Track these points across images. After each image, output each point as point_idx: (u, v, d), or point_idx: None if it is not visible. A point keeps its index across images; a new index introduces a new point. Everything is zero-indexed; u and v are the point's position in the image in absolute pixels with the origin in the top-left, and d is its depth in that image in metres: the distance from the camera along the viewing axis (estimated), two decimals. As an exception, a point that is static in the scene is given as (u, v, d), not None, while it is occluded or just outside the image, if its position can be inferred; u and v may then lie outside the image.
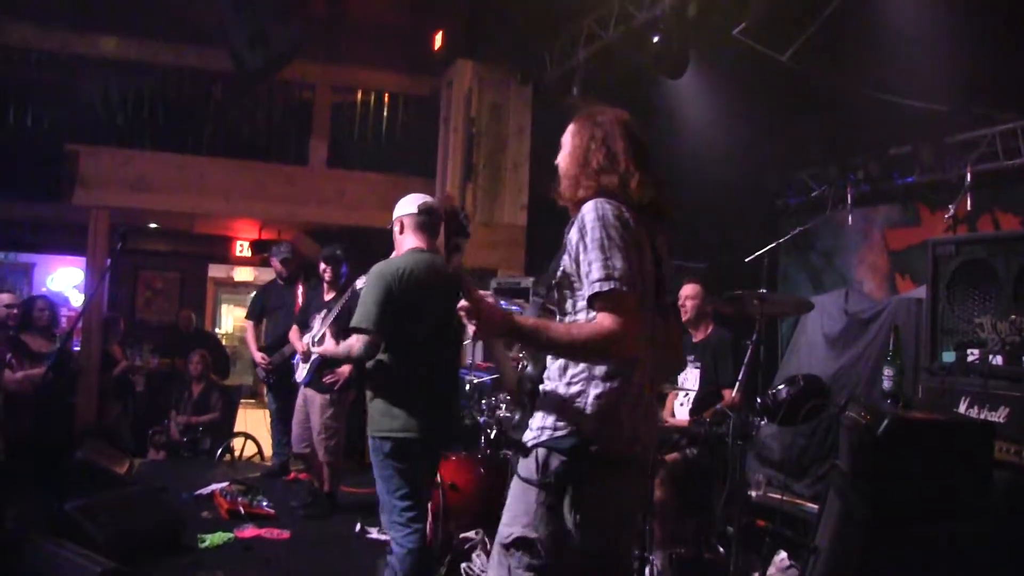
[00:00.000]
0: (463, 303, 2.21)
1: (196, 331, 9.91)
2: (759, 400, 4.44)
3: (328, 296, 6.00)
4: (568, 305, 2.34)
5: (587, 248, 2.24)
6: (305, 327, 6.04)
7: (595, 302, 2.20)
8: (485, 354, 6.97)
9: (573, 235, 2.29)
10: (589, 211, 2.28)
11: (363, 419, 3.95)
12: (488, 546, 4.52)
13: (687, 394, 5.24)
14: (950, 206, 5.56)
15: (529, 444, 2.30)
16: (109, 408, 8.52)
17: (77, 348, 8.35)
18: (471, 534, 4.62)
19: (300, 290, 6.96)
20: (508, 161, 8.55)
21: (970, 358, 4.11)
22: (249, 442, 8.48)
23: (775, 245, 4.99)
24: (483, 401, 5.45)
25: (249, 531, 5.54)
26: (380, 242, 5.32)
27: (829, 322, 6.79)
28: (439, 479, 4.68)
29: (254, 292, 16.64)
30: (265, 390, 7.60)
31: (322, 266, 6.08)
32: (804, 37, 5.50)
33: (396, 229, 4.06)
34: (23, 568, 4.05)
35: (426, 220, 4.01)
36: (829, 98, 6.16)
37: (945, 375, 4.23)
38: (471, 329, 2.23)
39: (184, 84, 9.06)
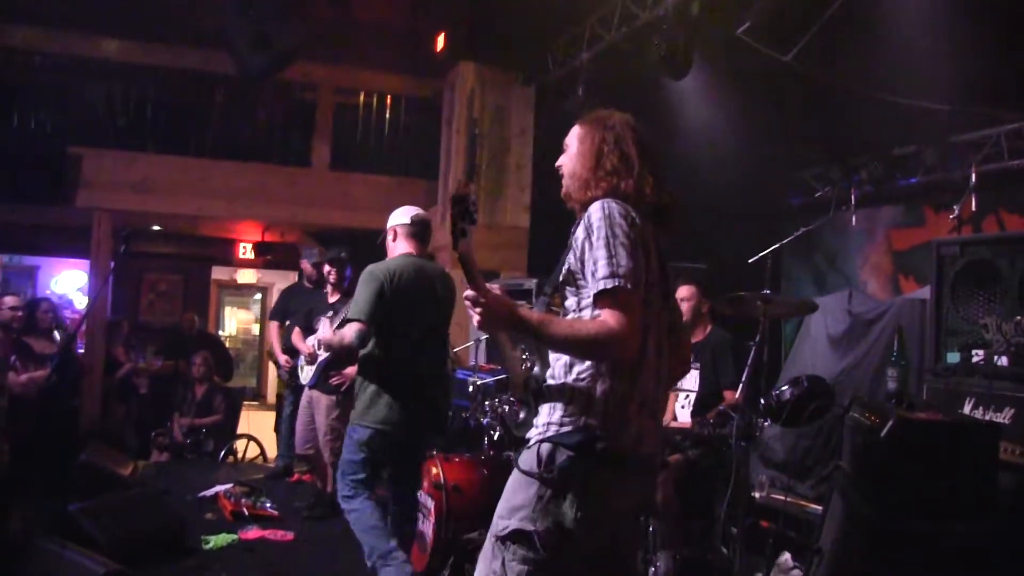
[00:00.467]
0: (468, 291, 2.23)
1: (199, 333, 9.92)
2: (763, 401, 4.43)
3: (333, 299, 5.99)
4: (572, 303, 2.35)
5: (593, 246, 2.24)
6: (309, 330, 6.04)
7: (599, 299, 2.20)
8: (489, 354, 6.99)
9: (579, 233, 2.30)
10: (596, 210, 2.29)
11: None
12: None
13: (688, 395, 5.23)
14: (954, 206, 5.56)
15: (534, 439, 2.31)
16: (113, 410, 8.54)
17: (81, 351, 8.37)
18: (474, 535, 4.61)
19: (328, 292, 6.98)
20: (511, 163, 8.55)
21: (975, 359, 4.10)
22: (252, 444, 8.49)
23: (778, 246, 4.98)
24: (486, 403, 5.44)
25: (253, 533, 5.54)
26: (383, 244, 5.32)
27: (833, 323, 6.78)
28: (443, 481, 4.69)
29: (257, 294, 16.89)
30: (285, 392, 7.57)
31: (327, 268, 6.08)
32: (808, 37, 5.49)
33: (390, 237, 4.36)
34: (28, 569, 4.05)
35: (418, 230, 4.34)
36: (833, 98, 6.15)
37: (949, 376, 4.22)
38: (475, 319, 2.24)
39: (187, 86, 9.09)
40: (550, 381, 2.34)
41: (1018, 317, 3.95)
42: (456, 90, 8.62)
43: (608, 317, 2.18)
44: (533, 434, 2.33)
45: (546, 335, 2.23)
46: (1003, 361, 3.96)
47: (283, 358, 6.89)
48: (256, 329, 17.34)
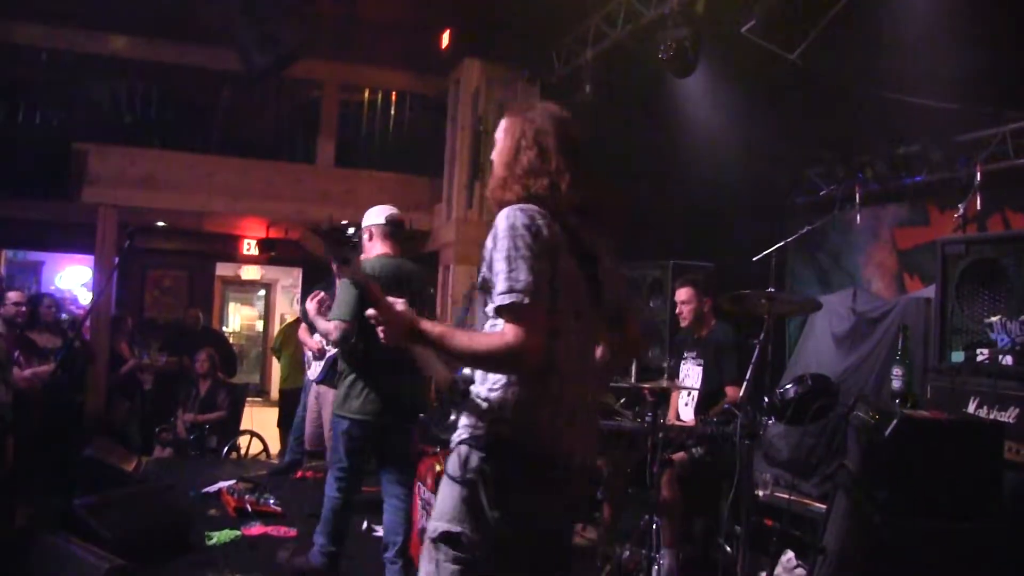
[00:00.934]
0: (371, 311, 2.28)
1: (203, 329, 9.93)
2: (767, 399, 4.42)
3: None
4: (490, 310, 2.32)
5: (496, 258, 2.24)
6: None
7: (499, 313, 2.21)
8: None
9: (488, 243, 2.29)
10: (501, 219, 2.28)
11: None
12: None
13: (691, 393, 5.23)
14: (960, 205, 5.54)
15: (453, 442, 2.33)
16: (117, 406, 8.55)
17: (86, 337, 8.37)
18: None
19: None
20: (515, 160, 8.53)
21: (979, 358, 4.09)
22: (255, 440, 8.50)
23: (783, 244, 4.98)
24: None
25: (256, 529, 5.55)
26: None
27: (837, 321, 6.77)
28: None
29: (261, 290, 16.90)
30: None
31: (334, 266, 6.08)
32: (813, 35, 5.48)
33: (365, 236, 4.55)
34: (32, 564, 4.06)
35: (393, 230, 4.57)
36: (838, 96, 6.13)
37: (954, 375, 4.21)
38: (380, 335, 2.31)
39: (192, 83, 9.10)
40: (475, 385, 2.36)
41: (1023, 316, 3.94)
42: (461, 87, 8.62)
43: (506, 331, 2.18)
44: (455, 436, 2.34)
45: (446, 348, 2.27)
46: (1008, 360, 3.95)
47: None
48: (260, 325, 17.38)
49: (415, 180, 9.31)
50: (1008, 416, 3.85)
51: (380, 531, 5.49)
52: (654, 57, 5.97)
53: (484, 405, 2.29)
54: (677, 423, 5.20)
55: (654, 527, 4.31)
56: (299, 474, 7.22)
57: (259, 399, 13.87)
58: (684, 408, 5.32)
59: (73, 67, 8.62)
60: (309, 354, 6.13)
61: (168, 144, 8.84)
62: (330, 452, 4.62)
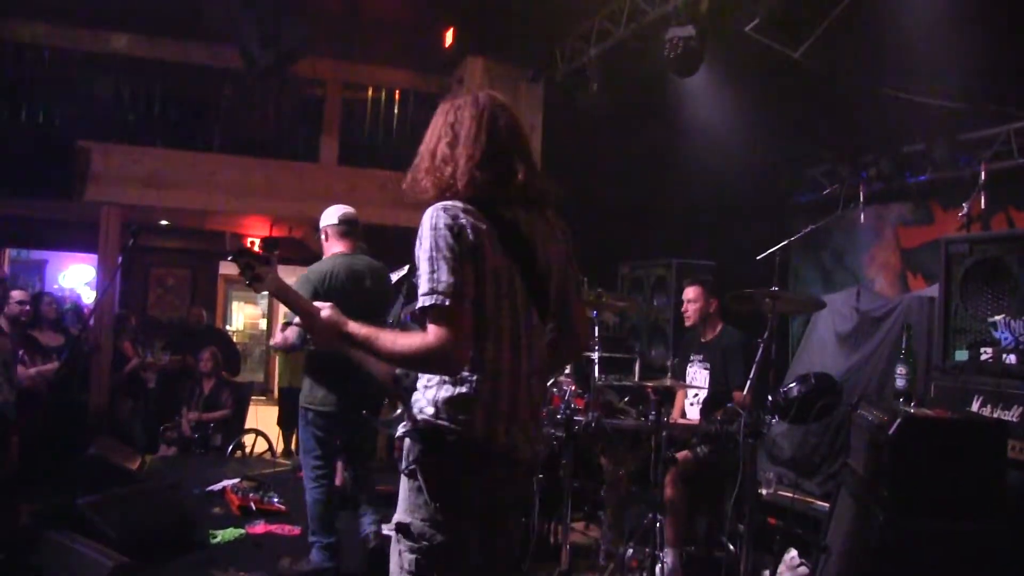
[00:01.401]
0: (295, 319, 2.35)
1: (207, 328, 9.93)
2: (770, 398, 4.43)
3: None
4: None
5: (420, 259, 2.27)
6: None
7: (423, 315, 2.23)
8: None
9: (416, 241, 2.32)
10: (425, 220, 2.30)
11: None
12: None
13: (696, 393, 5.23)
14: (964, 204, 5.53)
15: (397, 435, 2.37)
16: (121, 405, 8.56)
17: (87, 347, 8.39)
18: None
19: None
20: (518, 158, 8.53)
21: (983, 357, 4.09)
22: (259, 438, 8.50)
23: (786, 243, 4.97)
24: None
25: (260, 527, 5.56)
26: (391, 239, 5.34)
27: (840, 320, 6.76)
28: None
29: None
30: None
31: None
32: (816, 34, 5.48)
33: (322, 237, 4.86)
34: (37, 562, 4.08)
35: (348, 229, 4.82)
36: (842, 95, 6.13)
37: (958, 374, 4.21)
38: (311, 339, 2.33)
39: (195, 81, 9.08)
40: (419, 380, 2.38)
41: (1027, 315, 3.94)
42: (464, 85, 8.61)
43: (429, 332, 2.20)
44: (400, 429, 2.38)
45: (373, 349, 2.30)
46: (1011, 359, 3.95)
47: None
48: (263, 324, 17.40)
49: (418, 178, 9.30)
50: (1012, 415, 3.85)
51: (384, 529, 5.51)
52: (658, 56, 5.96)
53: (422, 401, 2.32)
54: (682, 421, 5.20)
55: (658, 525, 4.31)
56: (302, 473, 7.23)
57: (263, 398, 13.88)
58: (690, 408, 5.32)
59: (76, 65, 8.61)
60: None
61: (171, 142, 8.84)
62: (302, 452, 4.80)
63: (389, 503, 6.02)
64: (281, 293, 2.43)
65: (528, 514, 4.76)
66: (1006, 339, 4.02)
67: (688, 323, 5.33)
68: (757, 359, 4.12)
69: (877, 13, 5.42)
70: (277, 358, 9.84)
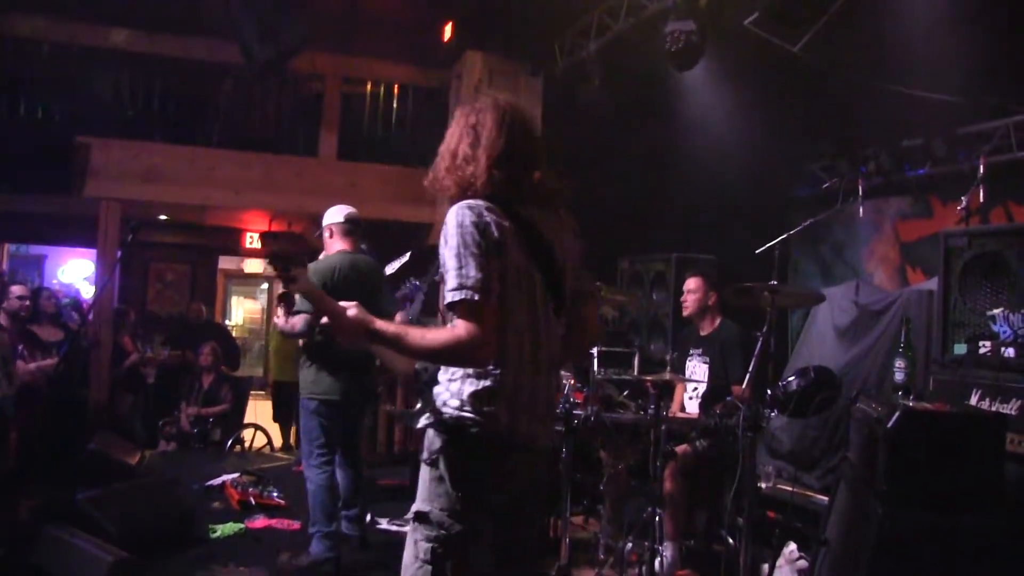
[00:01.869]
0: (323, 320, 2.42)
1: (206, 323, 9.94)
2: (769, 392, 4.43)
3: None
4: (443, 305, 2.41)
5: (446, 256, 2.32)
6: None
7: (451, 310, 2.29)
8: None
9: (440, 240, 2.37)
10: (451, 217, 2.35)
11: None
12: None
13: (696, 387, 5.23)
14: (962, 198, 5.52)
15: (419, 426, 2.44)
16: (120, 400, 8.57)
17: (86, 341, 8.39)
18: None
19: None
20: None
21: (982, 351, 4.10)
22: (259, 433, 8.51)
23: (786, 237, 4.97)
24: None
25: (260, 522, 5.57)
26: (391, 233, 5.34)
27: (840, 314, 6.77)
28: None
29: (264, 283, 16.90)
30: None
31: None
32: (816, 28, 5.47)
33: (326, 235, 5.00)
34: (36, 558, 4.08)
35: (351, 228, 4.99)
36: (841, 89, 6.12)
37: (956, 367, 4.22)
38: (339, 338, 2.44)
39: (194, 77, 9.07)
40: (439, 374, 2.46)
41: (1026, 309, 3.94)
42: (463, 80, 8.60)
43: (458, 326, 2.27)
44: (422, 421, 2.44)
45: (401, 345, 2.37)
46: (1010, 352, 3.96)
47: None
48: (262, 319, 17.40)
49: (417, 173, 9.18)
50: (1010, 408, 3.86)
51: (384, 523, 5.54)
52: (657, 50, 5.96)
53: (445, 394, 2.38)
54: (681, 415, 5.20)
55: (657, 519, 4.32)
56: (301, 467, 7.24)
57: (262, 392, 13.88)
58: (689, 402, 5.32)
59: (75, 60, 8.59)
60: None
61: (170, 137, 8.83)
62: (304, 441, 4.86)
63: (392, 497, 6.07)
64: (311, 292, 2.51)
65: (549, 506, 4.77)
66: (1005, 333, 4.02)
67: (685, 313, 5.33)
68: (756, 353, 4.12)
69: (876, 7, 5.42)
70: (270, 351, 9.84)
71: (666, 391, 4.90)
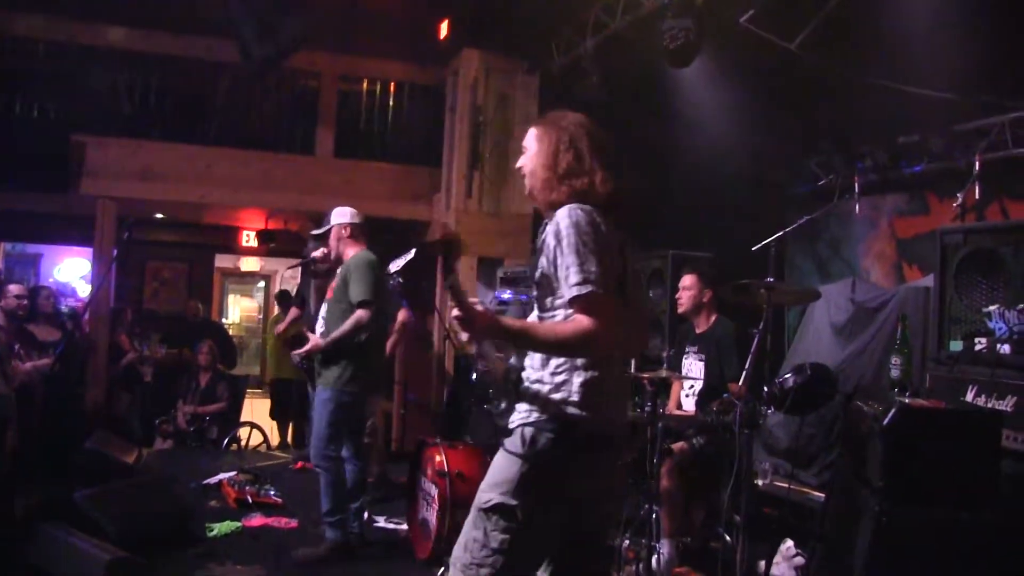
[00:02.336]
0: (457, 312, 2.43)
1: (203, 321, 9.94)
2: (766, 389, 4.43)
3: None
4: (548, 302, 2.54)
5: (563, 252, 2.43)
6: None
7: (574, 303, 2.39)
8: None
9: (550, 239, 2.48)
10: (564, 217, 2.47)
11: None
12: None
13: (692, 385, 5.23)
14: (959, 195, 5.54)
15: (514, 425, 2.50)
16: (117, 398, 8.57)
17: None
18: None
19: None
20: (515, 150, 8.50)
21: (978, 347, 4.10)
22: (255, 431, 8.51)
23: (782, 234, 4.97)
24: (489, 391, 5.46)
25: (257, 520, 5.57)
26: (387, 232, 5.34)
27: (836, 311, 6.77)
28: (446, 468, 4.72)
29: (261, 282, 16.90)
30: None
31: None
32: (812, 25, 5.47)
33: (344, 232, 5.13)
34: (34, 556, 4.08)
35: (364, 227, 5.22)
36: (837, 86, 6.12)
37: (952, 364, 4.22)
38: (464, 335, 2.47)
39: (191, 75, 9.07)
40: (529, 372, 2.54)
41: (1021, 305, 3.94)
42: (460, 78, 8.61)
43: (582, 319, 2.38)
44: (516, 419, 2.51)
45: (530, 339, 2.48)
46: (1006, 349, 3.96)
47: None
48: (260, 317, 17.39)
49: (414, 170, 9.30)
50: (1006, 405, 3.86)
51: (381, 521, 5.56)
52: (653, 47, 5.95)
53: (547, 388, 2.47)
54: (677, 413, 5.21)
55: (654, 516, 4.32)
56: (299, 465, 7.25)
57: (259, 391, 13.88)
58: (685, 399, 5.32)
59: (71, 59, 8.59)
60: None
61: (167, 136, 8.82)
62: (324, 436, 4.90)
63: (387, 496, 6.04)
64: (458, 287, 2.54)
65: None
66: (1000, 329, 4.03)
67: (680, 309, 5.33)
68: (753, 350, 4.12)
69: (872, 5, 5.42)
70: (267, 350, 9.85)
71: (662, 388, 4.91)
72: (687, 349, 5.33)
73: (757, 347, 4.12)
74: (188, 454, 7.76)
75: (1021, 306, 3.94)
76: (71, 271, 12.92)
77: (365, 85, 9.52)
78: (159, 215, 11.08)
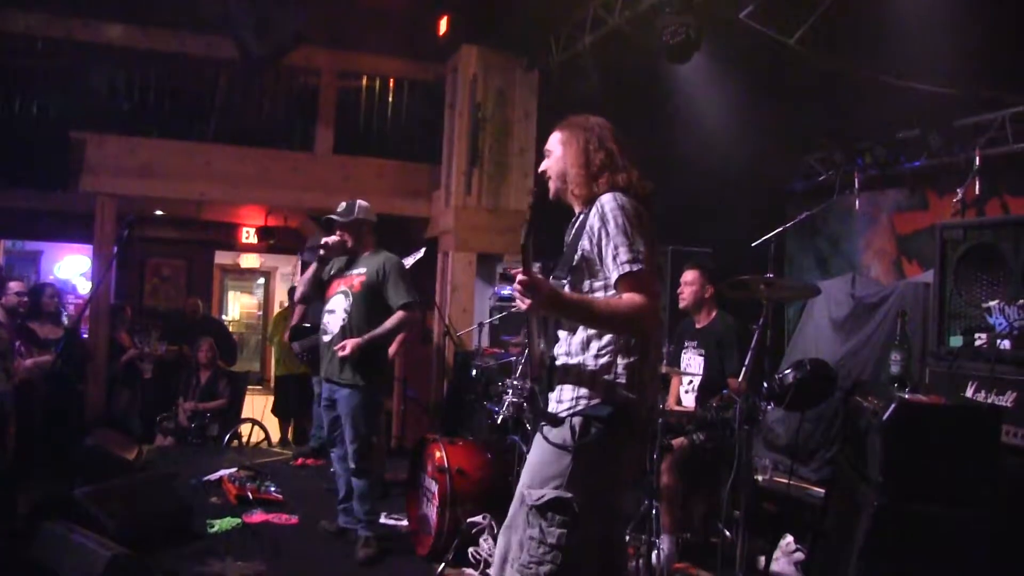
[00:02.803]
0: (522, 276, 2.41)
1: (203, 318, 9.93)
2: (766, 385, 4.44)
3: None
4: (585, 286, 2.58)
5: (610, 234, 2.49)
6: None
7: (623, 281, 2.45)
8: (492, 339, 7.01)
9: (595, 222, 2.53)
10: (608, 201, 2.54)
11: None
12: (495, 530, 4.54)
13: (692, 380, 5.24)
14: (958, 190, 5.54)
15: (563, 414, 2.51)
16: (118, 395, 8.56)
17: (84, 336, 8.39)
18: (478, 519, 4.64)
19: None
20: (514, 146, 8.54)
21: (978, 343, 4.10)
22: (256, 428, 8.52)
23: (782, 230, 4.98)
24: (490, 387, 5.47)
25: (257, 516, 5.58)
26: (386, 228, 5.34)
27: (836, 307, 6.78)
28: (447, 464, 4.72)
29: (261, 278, 16.90)
30: None
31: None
32: (811, 20, 5.47)
33: (364, 229, 5.10)
34: (35, 553, 4.08)
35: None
36: (836, 82, 6.12)
37: (952, 360, 4.22)
38: (523, 303, 2.43)
39: (190, 72, 9.06)
40: (565, 359, 2.57)
41: (1021, 300, 3.94)
42: (459, 74, 8.60)
43: (635, 297, 2.44)
44: (561, 409, 2.53)
45: (586, 313, 2.50)
46: (1006, 344, 3.96)
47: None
48: (259, 313, 17.40)
49: (414, 167, 9.30)
50: (1006, 400, 3.86)
51: (382, 517, 5.55)
52: (652, 43, 5.95)
53: (591, 370, 2.51)
54: (677, 408, 5.21)
55: (654, 512, 4.33)
56: (299, 462, 7.26)
57: (259, 387, 13.90)
58: (685, 395, 5.33)
59: (70, 56, 8.58)
60: None
61: (166, 133, 8.81)
62: (362, 437, 4.86)
63: (401, 490, 6.03)
64: (529, 253, 2.51)
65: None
66: (1000, 325, 4.03)
67: (682, 305, 5.33)
68: (752, 345, 4.13)
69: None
70: (273, 347, 9.84)
71: (662, 384, 4.91)
72: (686, 344, 5.34)
73: (757, 343, 4.12)
74: (189, 451, 7.77)
75: (1021, 301, 3.94)
76: (71, 268, 12.92)
77: (364, 82, 9.50)
78: (159, 212, 11.08)
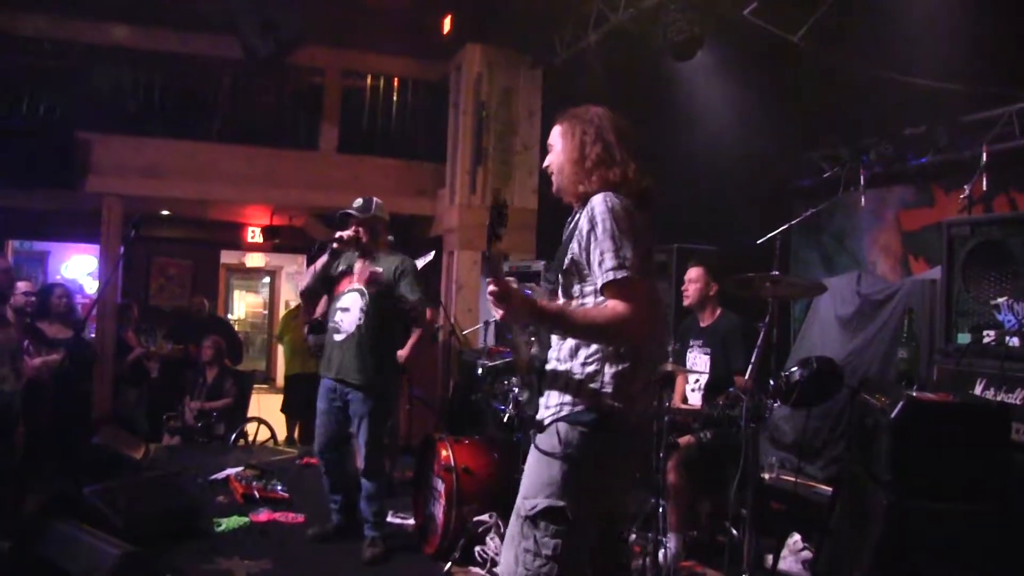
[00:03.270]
0: (493, 288, 2.35)
1: (209, 317, 9.93)
2: (772, 382, 4.42)
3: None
4: (576, 290, 2.50)
5: (598, 238, 2.39)
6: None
7: (607, 288, 2.35)
8: (497, 338, 7.00)
9: (584, 225, 2.44)
10: (599, 203, 2.44)
11: None
12: (502, 529, 4.54)
13: (697, 379, 5.23)
14: (965, 186, 5.51)
15: (547, 420, 2.46)
16: (124, 394, 8.58)
17: (92, 335, 8.41)
18: (485, 517, 4.64)
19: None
20: (519, 145, 8.54)
21: (986, 340, 4.09)
22: (262, 427, 8.52)
23: (787, 227, 4.97)
24: (496, 386, 5.45)
25: (264, 515, 5.58)
26: (390, 227, 5.33)
27: (842, 304, 6.76)
28: (453, 463, 4.72)
29: (266, 277, 16.92)
30: None
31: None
32: (816, 16, 5.45)
33: (379, 226, 5.02)
34: (43, 551, 4.08)
35: None
36: (842, 78, 6.10)
37: (960, 357, 4.21)
38: (498, 313, 2.38)
39: (194, 71, 9.08)
40: (555, 364, 2.50)
41: (1029, 297, 3.93)
42: (463, 73, 8.60)
43: (617, 305, 2.34)
44: (547, 415, 2.47)
45: (564, 324, 2.42)
46: (1014, 341, 3.95)
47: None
48: (265, 312, 17.43)
49: (418, 166, 9.31)
50: (1015, 398, 3.86)
51: (388, 516, 5.55)
52: (657, 40, 5.94)
53: (578, 378, 2.43)
54: (683, 407, 5.20)
55: (660, 511, 4.32)
56: (305, 461, 7.26)
57: (265, 386, 13.91)
58: (691, 393, 5.32)
59: (76, 57, 8.60)
60: None
61: (171, 132, 8.83)
62: (380, 443, 4.91)
63: (391, 491, 6.05)
64: (497, 264, 2.49)
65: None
66: (1009, 322, 4.02)
67: (686, 303, 5.31)
68: (758, 343, 4.12)
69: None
70: (281, 346, 9.85)
71: (668, 382, 4.90)
72: (691, 342, 5.33)
73: (763, 340, 4.11)
74: (195, 450, 7.77)
75: (1029, 298, 3.93)
76: (78, 268, 12.94)
77: (369, 81, 9.51)
78: (164, 211, 11.10)
